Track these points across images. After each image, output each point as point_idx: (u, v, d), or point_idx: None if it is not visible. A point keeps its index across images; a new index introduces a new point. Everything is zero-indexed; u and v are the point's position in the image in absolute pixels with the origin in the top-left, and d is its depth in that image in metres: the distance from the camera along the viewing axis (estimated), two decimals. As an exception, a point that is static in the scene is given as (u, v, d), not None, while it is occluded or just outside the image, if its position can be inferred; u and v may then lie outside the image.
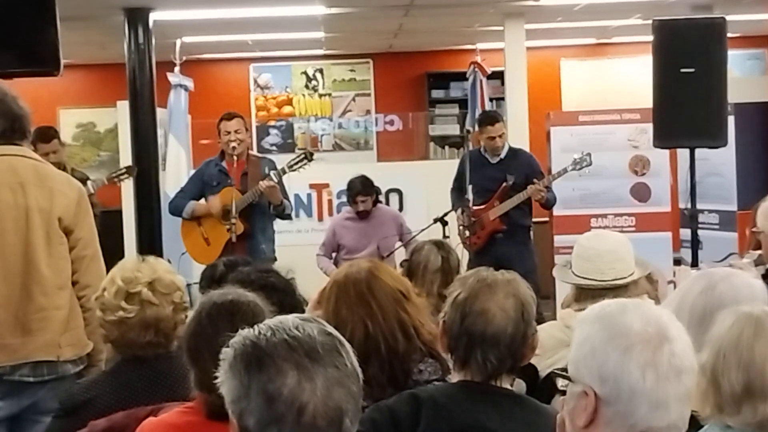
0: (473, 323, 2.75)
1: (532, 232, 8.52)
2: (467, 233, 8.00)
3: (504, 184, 8.13)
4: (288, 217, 7.88)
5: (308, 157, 7.58)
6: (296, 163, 7.53)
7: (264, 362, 1.80)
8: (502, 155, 8.29)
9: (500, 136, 8.24)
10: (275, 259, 7.49)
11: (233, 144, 7.49)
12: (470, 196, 8.06)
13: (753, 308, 2.50)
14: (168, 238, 8.34)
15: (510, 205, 8.11)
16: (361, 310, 3.03)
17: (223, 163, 7.68)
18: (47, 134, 7.76)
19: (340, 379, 1.81)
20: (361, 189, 8.54)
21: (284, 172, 7.50)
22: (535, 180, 8.04)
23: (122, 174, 7.69)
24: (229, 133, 7.54)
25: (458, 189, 8.33)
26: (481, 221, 8.19)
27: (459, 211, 8.13)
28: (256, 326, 1.86)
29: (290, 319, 1.87)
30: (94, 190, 7.44)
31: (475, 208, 8.17)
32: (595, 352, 1.97)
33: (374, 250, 8.37)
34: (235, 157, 7.48)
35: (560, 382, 2.15)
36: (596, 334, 1.98)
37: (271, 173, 7.42)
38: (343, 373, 1.82)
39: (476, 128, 8.80)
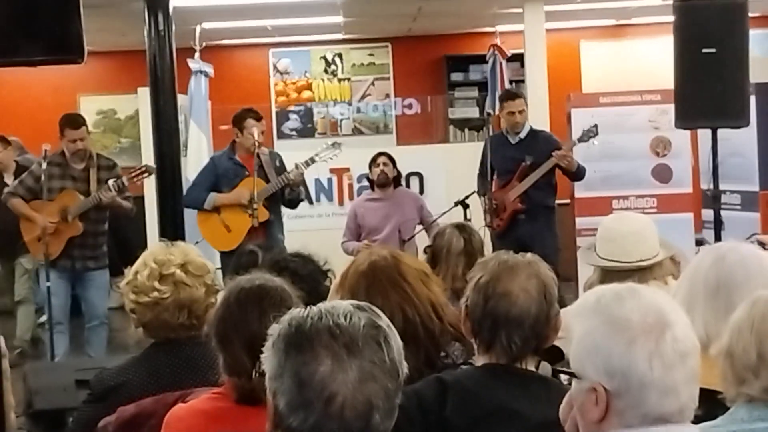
0: (496, 305, 2.76)
1: (555, 214, 8.53)
2: (490, 217, 8.07)
3: (523, 164, 8.19)
4: (298, 202, 7.97)
5: (336, 146, 7.91)
6: (324, 152, 7.76)
7: (303, 346, 1.81)
8: (522, 135, 8.38)
9: (520, 112, 8.35)
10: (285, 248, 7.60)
11: (258, 142, 7.64)
12: (491, 180, 8.14)
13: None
14: (188, 225, 8.39)
15: (529, 182, 8.17)
16: (396, 297, 3.00)
17: (237, 156, 7.83)
18: (76, 121, 7.87)
19: (375, 374, 1.81)
20: (383, 152, 8.63)
21: (312, 161, 7.68)
22: (553, 154, 8.11)
23: (141, 173, 7.75)
24: (255, 134, 7.69)
25: (482, 174, 8.40)
26: (503, 203, 8.26)
27: (483, 196, 8.21)
28: (309, 307, 1.87)
29: (343, 305, 1.87)
30: (113, 191, 7.49)
31: (496, 190, 8.23)
32: (598, 347, 1.97)
33: (395, 231, 8.39)
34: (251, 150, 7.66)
35: (564, 378, 2.15)
36: (596, 329, 1.98)
37: (299, 163, 7.60)
38: (379, 368, 1.82)
39: (498, 107, 8.90)
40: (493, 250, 7.45)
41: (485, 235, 7.09)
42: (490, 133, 8.81)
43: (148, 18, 8.45)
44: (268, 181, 7.74)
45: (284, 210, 8.12)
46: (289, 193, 7.75)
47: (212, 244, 7.97)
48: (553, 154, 8.13)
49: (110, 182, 7.57)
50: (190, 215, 8.25)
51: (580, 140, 8.41)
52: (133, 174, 7.75)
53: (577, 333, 2.02)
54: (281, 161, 7.95)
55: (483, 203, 8.27)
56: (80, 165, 7.75)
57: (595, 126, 8.40)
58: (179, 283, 3.23)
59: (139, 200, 10.62)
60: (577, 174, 8.40)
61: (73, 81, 12.93)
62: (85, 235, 7.68)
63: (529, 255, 2.90)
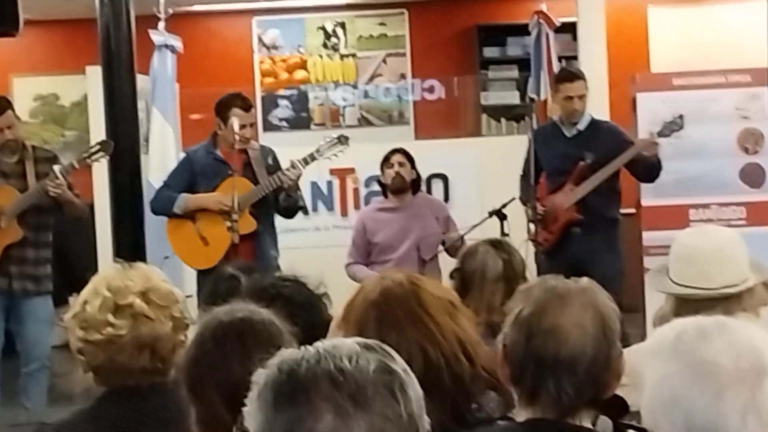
0: (542, 345, 2.76)
1: (620, 228, 8.53)
2: (536, 228, 8.07)
3: (581, 162, 8.18)
4: (297, 210, 8.01)
5: (342, 141, 7.92)
6: (329, 147, 7.79)
7: (297, 397, 1.81)
8: (581, 126, 8.39)
9: (580, 98, 8.38)
10: (278, 267, 7.61)
11: (240, 137, 7.66)
12: (537, 182, 8.15)
13: None
14: (151, 239, 8.39)
15: (592, 185, 8.16)
16: (415, 333, 3.00)
17: (218, 151, 7.84)
18: None
19: (388, 431, 1.81)
20: (399, 149, 8.66)
21: (312, 159, 7.71)
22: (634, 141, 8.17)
23: (96, 152, 7.74)
24: (244, 127, 7.71)
25: (528, 175, 8.41)
26: (554, 212, 8.24)
27: (527, 203, 8.21)
28: (304, 347, 1.88)
29: (347, 344, 1.87)
30: (62, 177, 7.47)
31: (544, 196, 8.23)
32: (677, 399, 1.98)
33: (413, 249, 8.41)
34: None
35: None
36: (676, 376, 1.98)
37: (296, 161, 7.60)
38: (394, 424, 1.81)
39: (551, 90, 8.90)
40: (539, 273, 7.48)
41: (527, 255, 7.10)
42: (535, 124, 8.81)
43: (100, -22, 8.50)
44: (256, 182, 7.76)
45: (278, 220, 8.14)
46: (284, 199, 7.78)
47: (185, 260, 8.02)
48: (639, 140, 8.13)
49: (56, 168, 7.54)
50: (155, 225, 8.27)
51: (660, 135, 8.34)
52: (85, 154, 7.72)
53: (651, 380, 2.02)
54: (275, 159, 7.98)
55: (527, 212, 8.27)
56: (12, 158, 7.73)
57: (680, 117, 8.37)
58: (139, 316, 3.24)
59: (88, 208, 10.66)
60: (653, 170, 8.40)
61: (4, 58, 12.98)
62: (24, 245, 7.64)
63: (584, 280, 2.90)
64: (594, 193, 8.21)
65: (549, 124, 8.82)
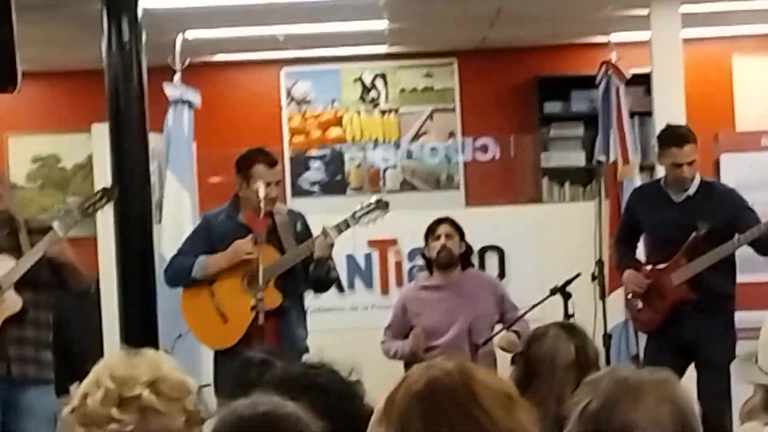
0: (613, 444, 2.74)
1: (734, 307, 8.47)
2: (639, 304, 8.05)
3: (694, 234, 8.15)
4: (331, 282, 8.02)
5: (382, 206, 7.92)
6: (366, 213, 7.78)
7: None
8: (691, 191, 8.34)
9: (690, 164, 8.32)
10: (307, 349, 7.62)
11: (271, 197, 7.68)
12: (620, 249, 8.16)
13: None
14: (163, 316, 8.41)
15: (707, 263, 8.13)
16: (466, 430, 2.99)
17: (240, 216, 7.84)
18: None
19: None
20: (446, 219, 8.68)
21: (347, 226, 7.72)
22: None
23: (99, 199, 7.72)
24: (269, 185, 7.73)
25: (625, 241, 8.41)
26: (661, 288, 8.21)
27: (626, 273, 8.23)
28: None
29: None
30: (63, 233, 7.45)
31: (650, 270, 8.20)
32: None
33: (463, 333, 8.40)
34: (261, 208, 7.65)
35: None
36: None
37: (329, 229, 7.59)
38: None
39: (656, 151, 8.82)
40: (645, 360, 7.50)
41: (597, 339, 7.08)
42: (602, 189, 8.79)
43: (108, 24, 8.57)
44: (282, 251, 7.76)
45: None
46: (314, 270, 7.76)
47: (201, 339, 8.03)
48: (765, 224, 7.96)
49: (55, 223, 7.52)
50: (168, 300, 8.28)
51: None
52: (87, 203, 7.71)
53: None
54: (305, 225, 7.98)
55: (626, 286, 8.28)
56: (1, 232, 7.73)
57: None
58: (148, 410, 3.24)
59: (95, 282, 10.66)
60: None
61: None
62: (22, 323, 7.61)
63: (660, 371, 2.88)
64: (710, 268, 8.19)
65: (653, 183, 8.75)
